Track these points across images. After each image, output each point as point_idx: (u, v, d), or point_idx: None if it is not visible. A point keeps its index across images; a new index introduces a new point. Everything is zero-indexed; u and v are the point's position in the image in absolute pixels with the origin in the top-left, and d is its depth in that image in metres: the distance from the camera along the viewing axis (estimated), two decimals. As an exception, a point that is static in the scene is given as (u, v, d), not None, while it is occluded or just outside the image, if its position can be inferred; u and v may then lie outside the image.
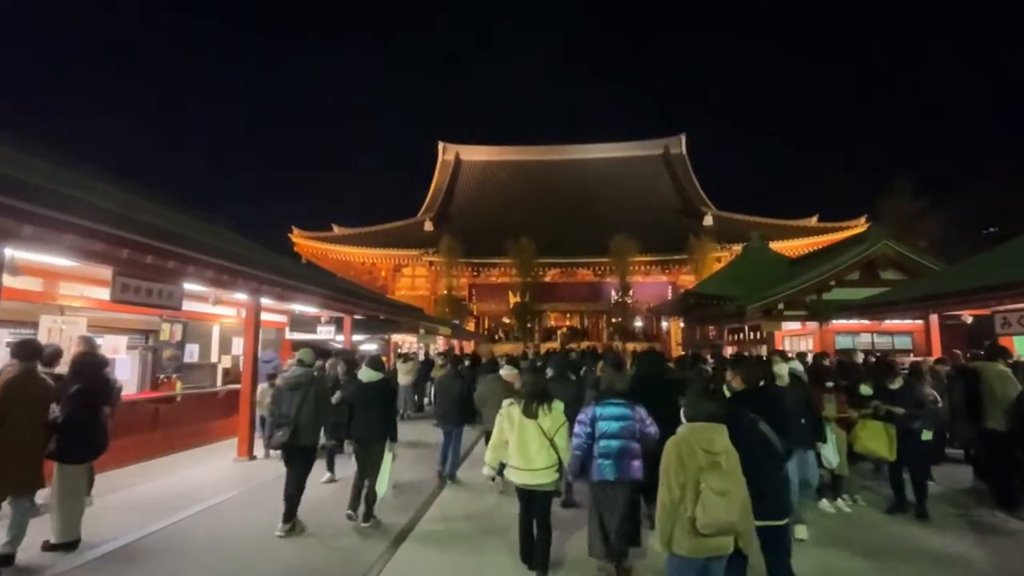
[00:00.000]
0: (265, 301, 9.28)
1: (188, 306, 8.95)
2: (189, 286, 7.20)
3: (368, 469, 5.24)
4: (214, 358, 9.97)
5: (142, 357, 8.47)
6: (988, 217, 29.13)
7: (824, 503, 5.57)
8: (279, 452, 5.22)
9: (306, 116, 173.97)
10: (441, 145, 51.00)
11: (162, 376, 8.52)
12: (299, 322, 9.65)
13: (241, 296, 8.24)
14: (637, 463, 3.85)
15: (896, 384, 5.39)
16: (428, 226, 38.83)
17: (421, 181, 48.87)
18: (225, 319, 10.05)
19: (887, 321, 14.56)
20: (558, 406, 4.17)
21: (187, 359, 9.16)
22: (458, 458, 7.28)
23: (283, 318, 11.11)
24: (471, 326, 35.91)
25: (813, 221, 35.76)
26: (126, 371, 7.87)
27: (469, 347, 30.31)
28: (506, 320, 37.01)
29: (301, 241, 38.11)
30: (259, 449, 7.97)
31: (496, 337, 36.02)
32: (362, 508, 5.27)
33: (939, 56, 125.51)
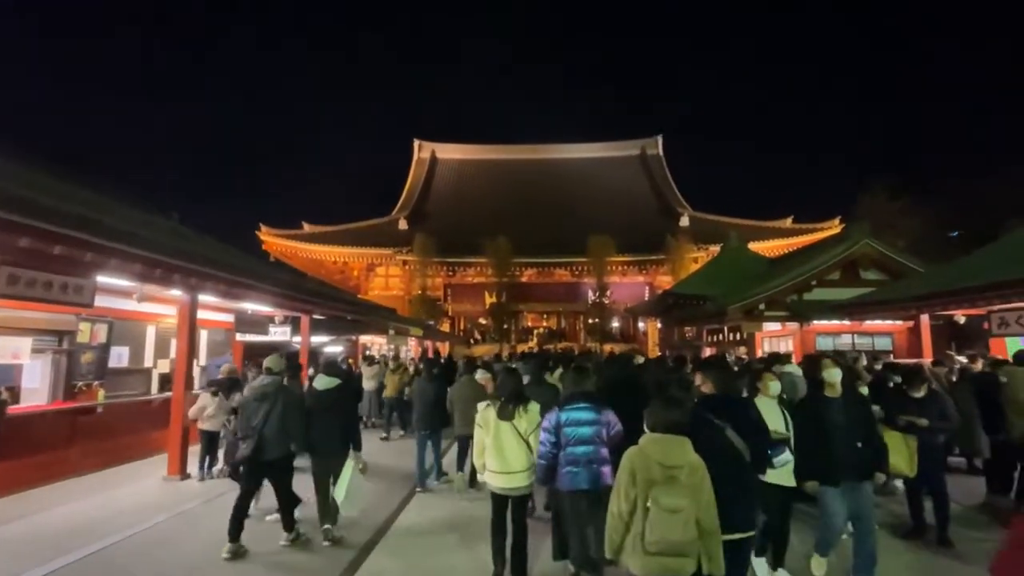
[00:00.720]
0: (209, 299, 8.35)
1: (115, 304, 7.95)
2: (108, 280, 6.25)
3: (324, 483, 4.95)
4: (148, 362, 8.93)
5: (54, 362, 7.39)
6: (953, 220, 29.50)
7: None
8: (224, 472, 5.03)
9: (281, 113, 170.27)
10: (416, 143, 50.02)
11: (80, 384, 7.47)
12: (247, 322, 8.69)
13: (178, 293, 7.30)
14: (607, 469, 3.66)
15: (921, 392, 4.77)
16: (402, 225, 37.86)
17: (397, 180, 47.83)
18: (163, 319, 9.02)
19: (868, 322, 14.28)
20: (534, 407, 4.09)
21: (114, 363, 8.11)
22: (437, 463, 7.17)
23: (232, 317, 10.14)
24: (446, 327, 35.08)
25: (788, 222, 35.93)
26: (35, 379, 6.84)
27: (444, 349, 29.46)
28: (482, 321, 36.26)
29: (269, 239, 36.72)
30: (197, 467, 7.02)
31: (472, 340, 35.26)
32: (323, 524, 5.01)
33: (913, 58, 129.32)
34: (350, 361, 13.30)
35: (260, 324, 9.20)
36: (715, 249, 29.77)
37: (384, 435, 10.20)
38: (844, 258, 14.46)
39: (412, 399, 9.78)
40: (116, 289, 7.30)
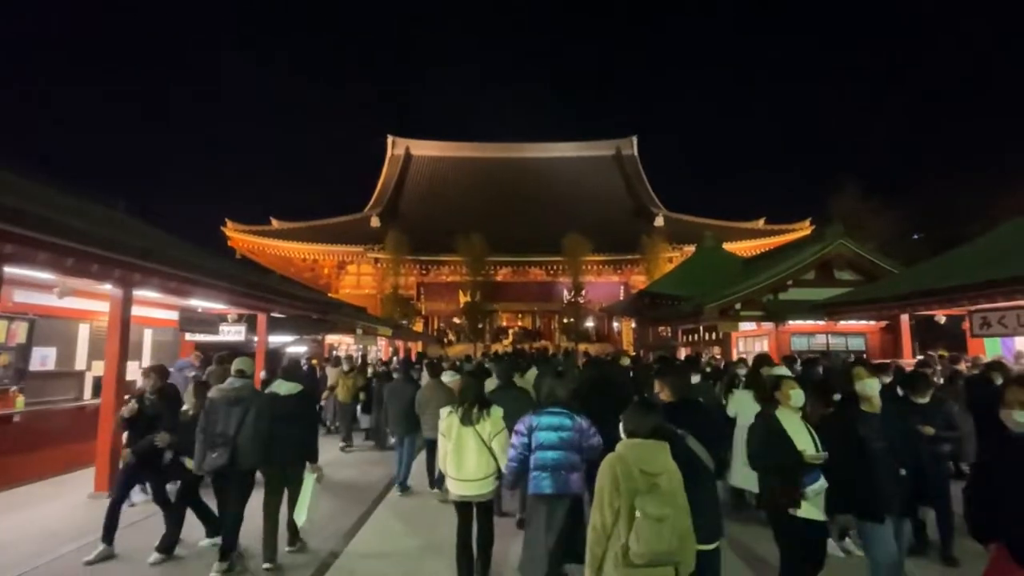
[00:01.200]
0: (151, 295, 7.60)
1: (38, 300, 7.15)
2: (24, 273, 5.51)
3: (274, 503, 4.58)
4: (81, 365, 8.08)
5: (-41, 365, 6.52)
6: (921, 222, 30.10)
7: (830, 544, 4.53)
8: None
9: (253, 109, 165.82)
10: (391, 139, 49.10)
11: (-8, 389, 6.62)
12: (193, 320, 7.93)
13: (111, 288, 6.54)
14: (576, 476, 3.64)
15: (925, 398, 4.38)
16: (375, 222, 36.99)
17: (371, 177, 46.79)
18: (99, 316, 8.17)
19: (843, 322, 14.20)
20: (496, 412, 3.99)
21: (37, 366, 7.28)
22: (408, 466, 6.99)
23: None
24: (419, 326, 34.35)
25: (761, 223, 36.34)
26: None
27: (417, 348, 28.74)
28: (456, 320, 35.63)
29: (236, 235, 35.44)
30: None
31: (446, 340, 34.58)
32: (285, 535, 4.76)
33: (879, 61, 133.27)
34: (313, 362, 12.57)
35: (209, 323, 8.44)
36: (689, 249, 29.82)
37: (344, 444, 9.53)
38: (819, 258, 14.38)
39: (372, 404, 9.20)
40: (38, 283, 6.52)
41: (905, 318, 9.85)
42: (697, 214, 38.33)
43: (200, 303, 8.73)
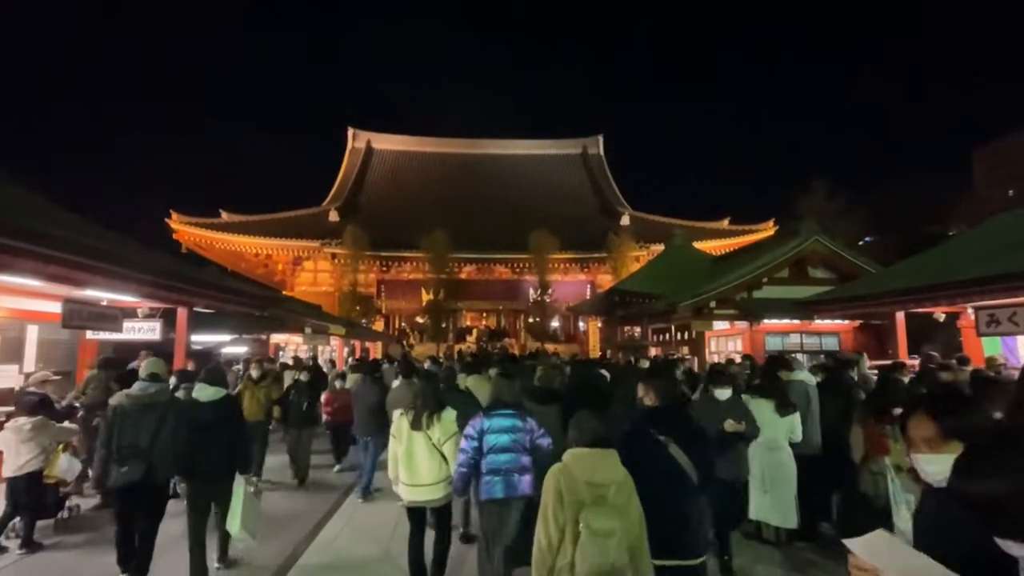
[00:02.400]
0: (35, 284, 6.21)
1: None
2: None
3: (200, 523, 4.24)
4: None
5: None
6: (880, 224, 30.60)
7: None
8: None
9: (207, 95, 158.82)
10: (351, 131, 47.31)
11: None
12: (83, 315, 6.49)
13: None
14: (528, 478, 3.57)
15: None
16: (333, 216, 35.33)
17: (329, 172, 44.86)
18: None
19: (818, 321, 13.75)
20: (449, 415, 3.97)
21: None
22: (372, 471, 6.90)
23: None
24: (380, 326, 32.90)
25: (725, 223, 36.49)
26: None
27: (375, 349, 27.29)
28: (419, 320, 34.29)
29: (181, 228, 33.19)
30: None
31: (408, 343, 33.09)
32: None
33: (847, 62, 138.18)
34: (235, 367, 11.07)
35: (108, 318, 7.05)
36: (657, 248, 29.51)
37: (249, 476, 8.17)
38: (794, 255, 13.89)
39: (290, 423, 8.08)
40: None
41: (901, 316, 9.32)
42: (663, 214, 38.22)
43: (105, 294, 7.35)
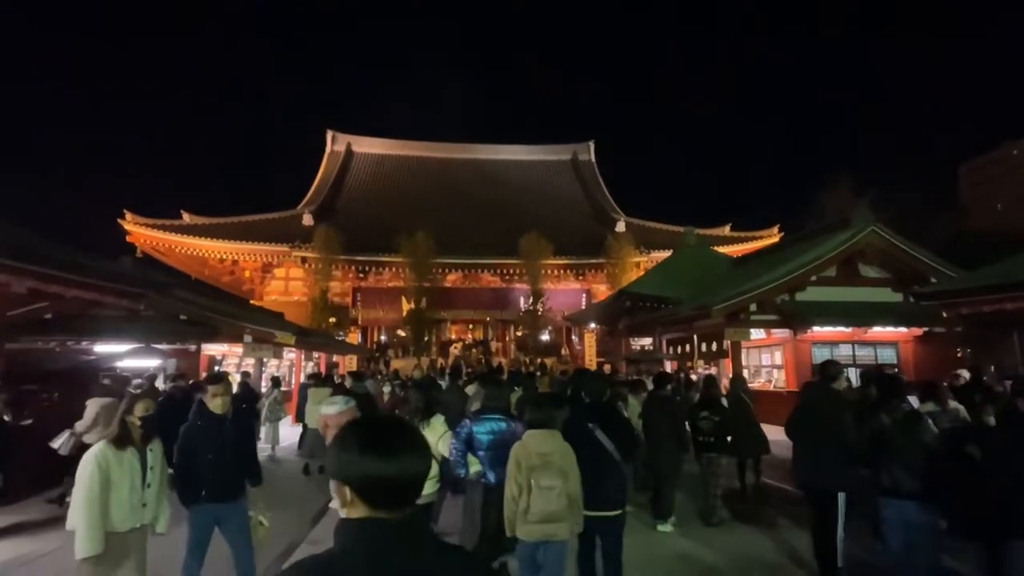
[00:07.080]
0: None
1: None
2: None
3: None
4: None
5: None
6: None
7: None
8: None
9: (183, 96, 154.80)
10: (330, 134, 44.77)
11: None
12: None
13: None
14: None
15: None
16: (307, 220, 32.41)
17: (305, 177, 42.14)
18: None
19: (873, 330, 11.56)
20: (437, 420, 4.38)
21: None
22: None
23: None
24: (355, 337, 30.11)
25: (726, 230, 34.75)
26: None
27: (345, 363, 24.46)
28: (400, 332, 31.55)
29: (136, 230, 30.12)
30: None
31: (386, 358, 30.22)
32: None
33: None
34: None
35: None
36: (659, 255, 27.47)
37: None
38: (847, 249, 11.68)
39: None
40: None
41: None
42: (659, 220, 36.29)
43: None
